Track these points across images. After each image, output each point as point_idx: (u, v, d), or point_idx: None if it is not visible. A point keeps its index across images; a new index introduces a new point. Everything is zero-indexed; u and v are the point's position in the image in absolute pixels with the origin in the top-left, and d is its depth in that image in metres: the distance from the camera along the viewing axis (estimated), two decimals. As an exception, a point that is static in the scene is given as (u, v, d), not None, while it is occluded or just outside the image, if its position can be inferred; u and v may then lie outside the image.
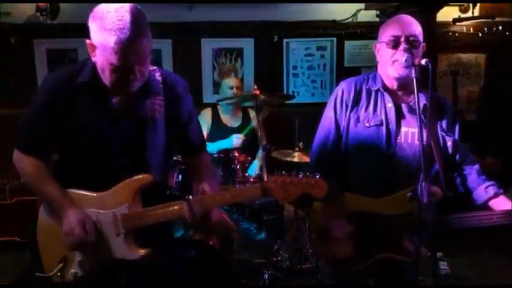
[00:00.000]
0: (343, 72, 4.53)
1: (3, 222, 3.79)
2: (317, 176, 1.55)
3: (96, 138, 1.64)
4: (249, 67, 4.62)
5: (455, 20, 4.49)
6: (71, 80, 1.61)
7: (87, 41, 1.52)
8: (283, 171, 1.57)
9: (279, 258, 3.19)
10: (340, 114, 1.99)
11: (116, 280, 1.70)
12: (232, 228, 3.00)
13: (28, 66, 4.35)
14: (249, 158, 3.43)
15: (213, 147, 3.46)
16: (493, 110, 3.88)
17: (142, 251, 1.64)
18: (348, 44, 4.64)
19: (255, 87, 3.44)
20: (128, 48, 1.45)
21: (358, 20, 4.55)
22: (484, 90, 4.37)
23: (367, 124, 1.94)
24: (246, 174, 3.32)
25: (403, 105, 1.95)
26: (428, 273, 1.72)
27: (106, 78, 1.55)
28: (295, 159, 3.33)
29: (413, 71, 1.71)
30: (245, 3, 4.38)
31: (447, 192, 1.84)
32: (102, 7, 1.49)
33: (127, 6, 1.48)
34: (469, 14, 4.49)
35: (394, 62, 1.86)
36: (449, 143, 1.95)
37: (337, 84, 2.09)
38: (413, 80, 1.70)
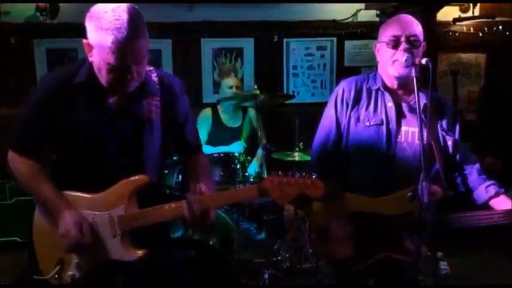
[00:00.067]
0: (343, 72, 4.53)
1: (3, 222, 3.79)
2: (313, 176, 1.54)
3: (92, 139, 1.63)
4: (249, 67, 4.61)
5: (455, 20, 4.49)
6: (67, 80, 1.60)
7: (84, 40, 1.52)
8: (280, 172, 1.57)
9: (279, 258, 3.18)
10: (340, 113, 1.99)
11: (113, 282, 1.69)
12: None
13: (28, 66, 4.34)
14: (249, 158, 3.43)
15: (213, 151, 3.45)
16: (493, 110, 3.88)
17: (139, 252, 1.63)
18: (348, 44, 4.64)
19: (255, 87, 3.44)
20: (125, 48, 1.45)
21: (358, 19, 4.55)
22: (484, 90, 4.37)
23: (368, 123, 1.94)
24: (246, 174, 3.32)
25: (404, 105, 1.95)
26: (429, 273, 1.72)
27: (103, 78, 1.54)
28: (296, 158, 3.33)
29: (413, 70, 1.71)
30: (245, 3, 4.38)
31: (448, 192, 1.84)
32: (98, 7, 1.49)
33: (124, 5, 1.47)
34: (469, 14, 4.49)
35: (394, 61, 1.86)
36: (449, 143, 1.95)
37: (337, 84, 2.09)
38: (413, 79, 1.70)
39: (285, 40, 4.60)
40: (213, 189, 1.74)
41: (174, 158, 3.12)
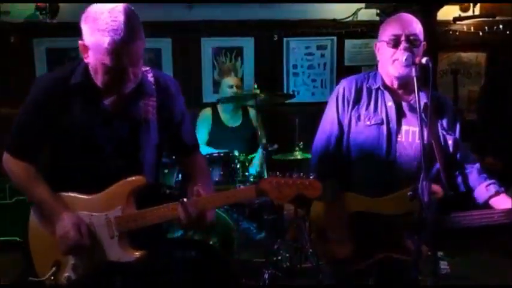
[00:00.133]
0: (343, 71, 4.52)
1: (3, 222, 3.79)
2: (311, 177, 1.55)
3: (88, 140, 1.63)
4: (249, 66, 4.61)
5: (455, 19, 4.49)
6: (62, 81, 1.60)
7: (80, 42, 1.51)
8: (278, 172, 1.57)
9: (279, 257, 3.18)
10: (342, 112, 1.98)
11: (111, 283, 1.69)
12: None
13: (28, 66, 4.34)
14: (249, 157, 3.43)
15: (213, 151, 3.45)
16: (493, 109, 3.86)
17: (137, 253, 1.63)
18: (348, 43, 4.63)
19: (255, 86, 3.44)
20: (122, 50, 1.44)
21: (359, 18, 4.54)
22: (485, 90, 4.36)
23: (368, 123, 1.93)
24: (246, 174, 3.31)
25: (404, 104, 1.95)
26: (429, 272, 1.72)
27: (99, 79, 1.54)
28: (299, 157, 3.33)
29: (413, 69, 1.70)
30: (245, 3, 4.37)
31: (448, 192, 1.84)
32: (94, 8, 1.48)
33: (120, 6, 1.46)
34: (469, 13, 4.49)
35: (394, 61, 1.85)
36: (450, 142, 1.94)
37: (337, 84, 2.09)
38: (413, 78, 1.70)
39: (285, 39, 4.59)
40: (210, 190, 1.74)
41: (174, 158, 3.11)
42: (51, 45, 4.38)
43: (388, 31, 1.88)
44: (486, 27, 4.51)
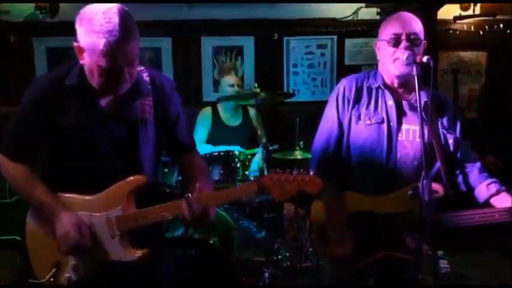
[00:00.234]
0: (343, 70, 4.51)
1: (3, 221, 3.78)
2: (311, 173, 1.56)
3: (86, 141, 1.62)
4: (249, 65, 4.60)
5: (456, 18, 4.48)
6: (58, 83, 1.59)
7: (75, 43, 1.51)
8: (278, 169, 1.58)
9: (279, 256, 3.18)
10: (342, 111, 1.98)
11: (112, 283, 1.68)
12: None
13: (28, 65, 4.33)
14: (249, 157, 3.43)
15: (213, 150, 3.44)
16: (493, 108, 3.86)
17: (139, 252, 1.63)
18: (349, 42, 4.62)
19: (255, 85, 3.43)
20: (117, 51, 1.44)
21: (359, 17, 4.54)
22: (485, 89, 4.35)
23: (368, 122, 1.93)
24: (246, 173, 3.31)
25: (404, 103, 1.94)
26: (429, 271, 1.72)
27: (95, 80, 1.54)
28: (299, 157, 3.33)
29: (414, 68, 1.70)
30: (245, 2, 4.37)
31: (449, 190, 1.83)
32: (88, 9, 1.48)
33: (115, 7, 1.46)
34: (469, 12, 4.48)
35: (395, 60, 1.85)
36: (450, 141, 1.94)
37: (337, 83, 2.08)
38: (414, 77, 1.70)
39: (285, 38, 4.59)
40: (211, 189, 1.74)
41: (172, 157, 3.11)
42: (51, 44, 4.38)
43: (388, 30, 1.88)
44: (486, 26, 4.50)
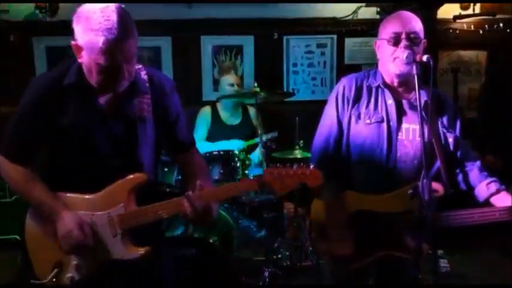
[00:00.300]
0: (343, 69, 4.51)
1: (3, 220, 3.78)
2: (311, 166, 1.56)
3: (85, 140, 1.62)
4: (249, 64, 4.60)
5: (455, 17, 4.48)
6: (56, 82, 1.59)
7: (72, 42, 1.51)
8: (278, 164, 1.58)
9: (279, 256, 3.18)
10: (342, 110, 1.97)
11: (114, 281, 1.68)
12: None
13: (27, 64, 4.33)
14: (249, 156, 3.43)
15: (213, 147, 3.45)
16: (493, 108, 3.86)
17: (141, 250, 1.62)
18: (348, 42, 4.62)
19: (255, 84, 3.43)
20: (116, 48, 1.44)
21: (359, 17, 4.53)
22: (485, 88, 4.35)
23: (368, 121, 1.93)
24: (246, 172, 3.31)
25: (404, 102, 1.94)
26: (429, 271, 1.72)
27: (93, 78, 1.54)
28: (298, 156, 3.33)
29: (414, 67, 1.70)
30: (245, 2, 4.37)
31: (449, 189, 1.83)
32: (86, 7, 1.48)
33: (112, 6, 1.46)
34: (469, 11, 4.48)
35: (395, 58, 1.85)
36: (450, 140, 1.94)
37: (337, 82, 2.08)
38: (414, 76, 1.69)
39: (285, 37, 4.58)
40: (211, 186, 1.73)
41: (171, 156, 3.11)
42: (50, 43, 4.37)
43: (388, 29, 1.88)
44: (486, 26, 4.50)
